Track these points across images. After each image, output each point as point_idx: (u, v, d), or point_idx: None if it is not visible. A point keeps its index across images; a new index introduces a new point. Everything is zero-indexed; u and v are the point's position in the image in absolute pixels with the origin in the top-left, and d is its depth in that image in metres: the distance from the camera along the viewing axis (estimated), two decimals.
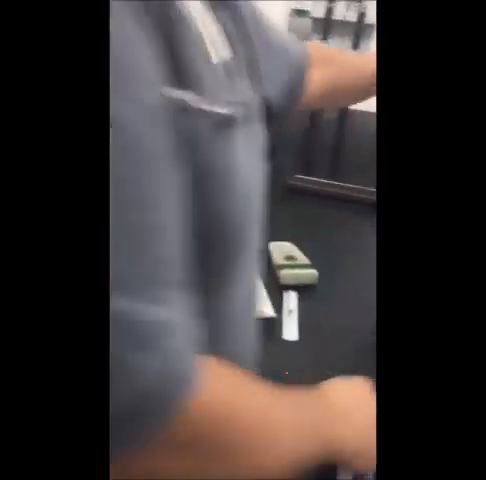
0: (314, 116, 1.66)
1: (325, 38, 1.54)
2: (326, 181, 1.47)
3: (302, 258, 1.00)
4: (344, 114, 1.64)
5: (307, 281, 0.95)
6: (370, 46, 1.52)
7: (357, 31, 1.50)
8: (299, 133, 1.62)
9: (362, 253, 1.13)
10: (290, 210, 1.28)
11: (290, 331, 0.85)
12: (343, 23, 1.51)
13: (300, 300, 0.91)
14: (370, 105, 1.62)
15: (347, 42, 1.54)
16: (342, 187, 1.44)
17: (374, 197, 1.43)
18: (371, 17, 1.47)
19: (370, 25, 1.50)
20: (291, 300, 0.92)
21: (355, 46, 1.52)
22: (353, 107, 1.63)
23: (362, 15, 1.48)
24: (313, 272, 0.95)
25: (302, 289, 0.93)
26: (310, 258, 0.99)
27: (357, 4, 1.47)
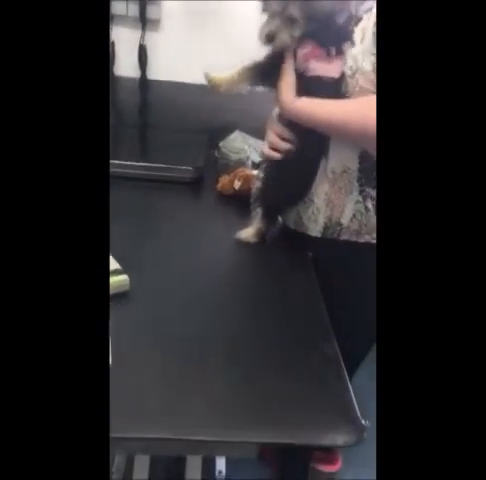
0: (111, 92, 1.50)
1: None
2: (133, 163, 1.35)
3: (111, 263, 0.88)
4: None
5: (118, 290, 0.84)
6: (153, 10, 1.40)
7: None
8: None
9: (182, 238, 1.06)
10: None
11: None
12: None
13: (112, 314, 0.77)
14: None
15: (132, 6, 1.40)
16: (151, 168, 1.34)
17: (188, 175, 1.40)
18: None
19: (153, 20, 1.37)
20: None
21: (142, 9, 1.39)
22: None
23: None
24: (124, 278, 0.84)
25: (113, 299, 0.81)
26: (121, 257, 0.88)
27: None
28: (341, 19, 0.85)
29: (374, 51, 0.81)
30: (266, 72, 0.91)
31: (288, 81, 0.89)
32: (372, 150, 0.88)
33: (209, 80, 0.94)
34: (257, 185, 1.05)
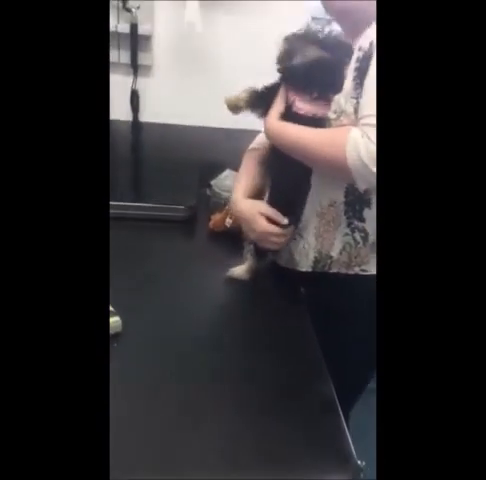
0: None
1: None
2: (127, 203, 1.37)
3: None
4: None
5: (110, 332, 0.84)
6: (145, 56, 1.46)
7: (132, 42, 1.43)
8: None
9: (174, 277, 1.07)
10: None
11: None
12: (115, 34, 1.42)
13: None
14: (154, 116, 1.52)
15: (123, 53, 1.45)
16: (145, 208, 1.36)
17: (181, 214, 1.42)
18: (144, 28, 1.41)
19: (145, 36, 1.43)
20: None
21: (133, 56, 1.45)
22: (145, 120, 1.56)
23: (134, 26, 1.40)
24: (116, 320, 0.84)
25: None
26: (114, 299, 0.89)
27: (128, 14, 1.39)
28: (329, 67, 0.88)
29: (354, 95, 0.84)
30: (261, 99, 0.96)
31: (277, 108, 0.93)
32: (347, 181, 0.90)
33: (228, 102, 0.99)
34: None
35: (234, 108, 0.99)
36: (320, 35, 0.89)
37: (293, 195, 1.00)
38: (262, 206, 1.00)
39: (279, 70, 0.92)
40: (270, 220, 0.98)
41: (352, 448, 0.66)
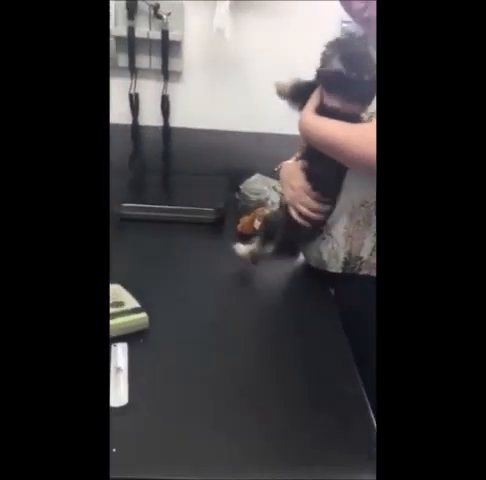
0: (135, 140, 1.57)
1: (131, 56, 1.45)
2: (158, 206, 1.38)
3: (130, 301, 0.88)
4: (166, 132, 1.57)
5: (137, 328, 0.84)
6: (175, 62, 1.48)
7: (163, 48, 1.45)
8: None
9: (202, 277, 1.07)
10: (124, 242, 1.17)
11: (118, 395, 0.68)
12: (147, 41, 1.44)
13: (130, 354, 0.76)
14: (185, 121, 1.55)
15: (154, 59, 1.48)
16: (175, 210, 1.37)
17: (210, 216, 1.42)
18: (175, 34, 1.43)
19: (176, 42, 1.45)
20: (119, 356, 0.75)
21: (164, 62, 1.47)
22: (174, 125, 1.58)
23: (165, 32, 1.43)
24: (143, 316, 0.85)
25: (132, 337, 0.81)
26: (144, 296, 0.89)
27: (159, 21, 1.42)
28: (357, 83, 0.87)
29: None
30: (301, 93, 0.97)
31: (312, 102, 0.93)
32: (374, 178, 0.87)
33: (276, 86, 1.00)
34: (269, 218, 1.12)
35: (279, 93, 1.01)
36: (356, 46, 0.88)
37: (329, 185, 0.98)
38: (306, 165, 0.99)
39: (317, 72, 0.92)
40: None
41: None
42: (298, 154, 1.05)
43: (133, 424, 0.64)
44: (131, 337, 0.80)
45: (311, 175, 0.99)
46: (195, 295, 0.98)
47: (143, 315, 0.83)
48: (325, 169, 0.96)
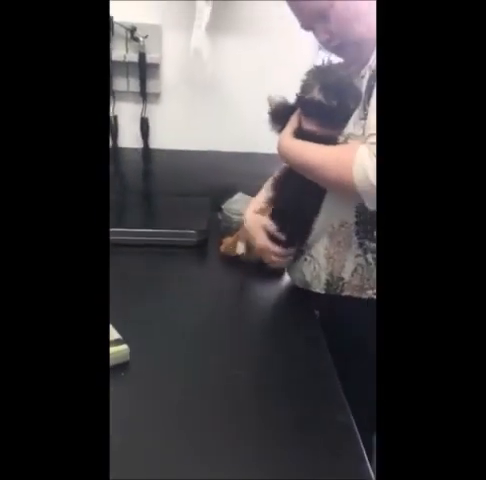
0: (115, 162, 1.55)
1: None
2: (138, 230, 1.36)
3: (111, 332, 0.86)
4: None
5: (117, 361, 0.82)
6: (153, 84, 1.48)
7: (141, 70, 1.44)
8: None
9: (186, 302, 1.05)
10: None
11: None
12: (124, 64, 1.44)
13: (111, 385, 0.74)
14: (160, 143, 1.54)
15: (133, 82, 1.47)
16: (156, 233, 1.35)
17: (192, 239, 1.41)
18: (152, 57, 1.43)
19: (153, 64, 1.45)
20: None
21: (142, 84, 1.46)
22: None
23: (142, 55, 1.42)
24: (123, 348, 0.82)
25: (113, 371, 0.78)
26: (123, 326, 0.87)
27: (136, 44, 1.41)
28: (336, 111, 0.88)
29: (362, 115, 0.83)
30: (281, 116, 0.98)
31: (291, 125, 0.94)
32: (356, 200, 0.88)
33: (269, 100, 1.01)
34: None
35: (269, 105, 1.01)
36: (334, 73, 0.89)
37: (298, 215, 0.98)
38: (265, 221, 1.01)
39: (298, 98, 0.93)
40: (272, 237, 1.00)
41: (372, 475, 0.63)
42: (271, 181, 1.06)
43: (113, 462, 0.62)
44: (112, 370, 0.78)
45: (276, 212, 1.02)
46: (178, 321, 0.96)
47: (124, 347, 0.81)
48: (291, 201, 0.99)
